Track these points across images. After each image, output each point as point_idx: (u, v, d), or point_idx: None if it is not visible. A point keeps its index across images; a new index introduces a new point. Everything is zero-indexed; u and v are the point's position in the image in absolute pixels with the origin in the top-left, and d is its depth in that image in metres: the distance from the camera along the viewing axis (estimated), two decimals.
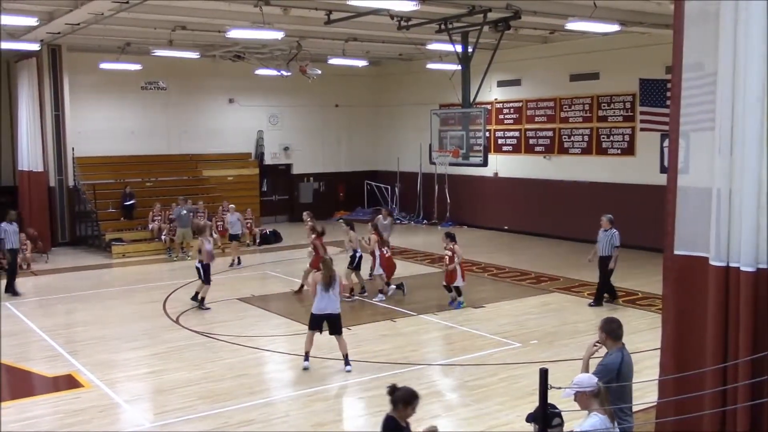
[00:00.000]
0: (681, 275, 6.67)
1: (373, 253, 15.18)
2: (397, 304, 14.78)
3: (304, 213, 18.12)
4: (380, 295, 15.05)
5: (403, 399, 5.89)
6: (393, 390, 5.96)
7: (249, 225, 22.81)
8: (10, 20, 16.00)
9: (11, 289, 15.89)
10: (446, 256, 14.57)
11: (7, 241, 15.87)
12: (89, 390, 10.05)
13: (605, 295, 14.50)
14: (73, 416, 9.08)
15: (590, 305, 14.38)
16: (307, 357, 10.83)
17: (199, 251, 14.51)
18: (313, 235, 15.39)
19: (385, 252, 15.33)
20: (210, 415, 9.06)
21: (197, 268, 14.52)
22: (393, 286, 15.43)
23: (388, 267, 15.46)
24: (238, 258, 19.59)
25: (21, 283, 16.42)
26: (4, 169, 22.55)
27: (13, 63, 22.70)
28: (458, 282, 14.36)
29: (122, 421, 9.12)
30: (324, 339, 12.25)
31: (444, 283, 14.69)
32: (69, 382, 10.40)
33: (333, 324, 10.77)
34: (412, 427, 5.94)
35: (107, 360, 11.44)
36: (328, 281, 10.60)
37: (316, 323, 10.77)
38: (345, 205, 29.35)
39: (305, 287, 14.87)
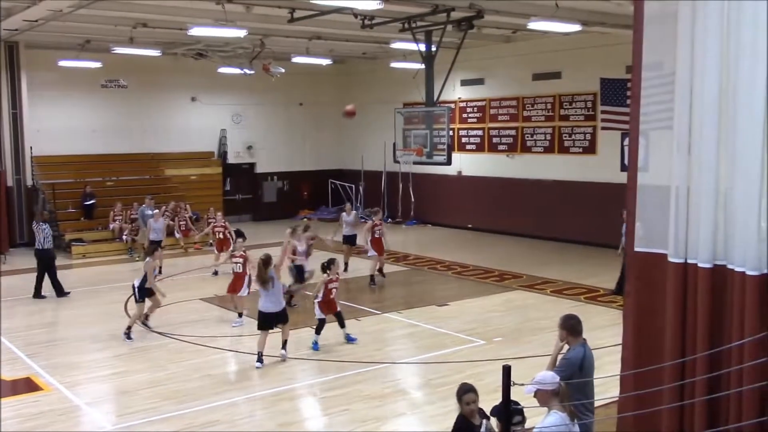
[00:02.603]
0: (641, 272, 6.76)
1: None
2: (362, 302, 14.78)
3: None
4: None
5: (458, 395, 6.04)
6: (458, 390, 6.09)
7: (212, 225, 22.58)
8: None
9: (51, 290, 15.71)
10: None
11: (45, 242, 15.62)
12: (49, 393, 9.89)
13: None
14: (33, 419, 8.93)
15: (613, 293, 14.61)
16: (260, 358, 10.92)
17: (294, 252, 14.26)
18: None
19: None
20: (174, 416, 8.97)
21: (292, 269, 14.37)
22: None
23: None
24: (160, 267, 16.67)
25: None
26: None
27: None
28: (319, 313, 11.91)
29: (84, 424, 8.99)
30: (289, 338, 12.23)
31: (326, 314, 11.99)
32: (28, 386, 10.22)
33: (280, 319, 11.15)
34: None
35: (68, 362, 11.26)
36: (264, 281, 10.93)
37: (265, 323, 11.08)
38: (309, 204, 29.26)
39: None
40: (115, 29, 18.55)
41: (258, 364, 10.83)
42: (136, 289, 12.56)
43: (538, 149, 22.77)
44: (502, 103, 23.78)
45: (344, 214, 17.94)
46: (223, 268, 16.78)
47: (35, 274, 15.77)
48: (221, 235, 17.82)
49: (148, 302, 12.76)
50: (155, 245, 16.28)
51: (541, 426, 5.43)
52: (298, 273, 14.49)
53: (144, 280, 12.50)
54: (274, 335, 12.45)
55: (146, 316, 13.03)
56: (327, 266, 11.94)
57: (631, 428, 6.58)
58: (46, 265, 15.66)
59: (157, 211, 18.94)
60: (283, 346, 11.20)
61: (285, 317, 11.22)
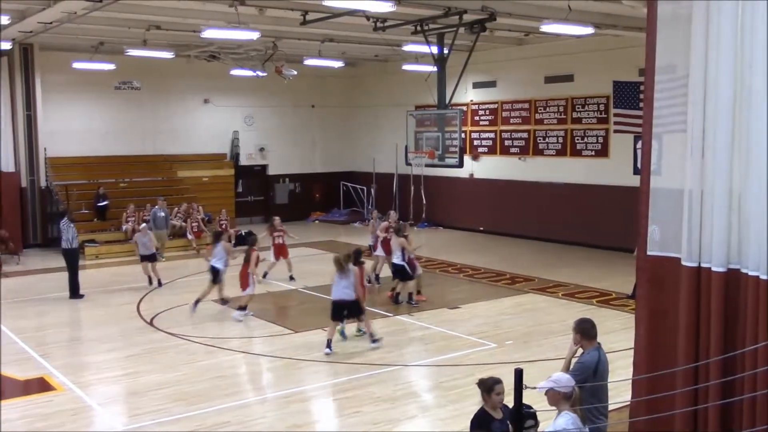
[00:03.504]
0: (654, 276, 6.74)
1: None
2: (373, 304, 14.76)
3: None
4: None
5: (484, 388, 6.06)
6: (478, 383, 6.15)
7: (224, 226, 22.73)
8: None
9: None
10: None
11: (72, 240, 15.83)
12: (61, 393, 9.93)
13: None
14: (45, 419, 8.97)
15: (629, 297, 14.19)
16: (328, 344, 11.44)
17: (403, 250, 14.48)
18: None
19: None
20: (184, 418, 8.99)
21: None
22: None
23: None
24: (158, 280, 16.87)
25: None
26: None
27: None
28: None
29: (95, 425, 9.03)
30: (300, 340, 12.26)
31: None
32: (41, 386, 10.27)
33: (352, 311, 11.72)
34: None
35: (80, 363, 11.32)
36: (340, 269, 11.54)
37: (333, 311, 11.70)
38: (320, 206, 29.29)
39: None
40: (128, 31, 18.65)
41: (327, 350, 11.30)
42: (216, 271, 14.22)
43: (550, 152, 22.70)
44: (514, 105, 23.73)
45: (372, 220, 17.65)
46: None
47: (60, 274, 15.91)
48: (281, 240, 17.16)
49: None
50: (147, 259, 16.68)
51: (552, 428, 5.41)
52: (402, 272, 14.58)
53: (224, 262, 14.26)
54: (289, 337, 12.51)
55: (223, 300, 14.34)
56: (356, 257, 12.38)
57: None
58: (73, 264, 15.80)
59: (144, 225, 18.09)
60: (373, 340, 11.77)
61: (357, 310, 11.69)
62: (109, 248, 21.23)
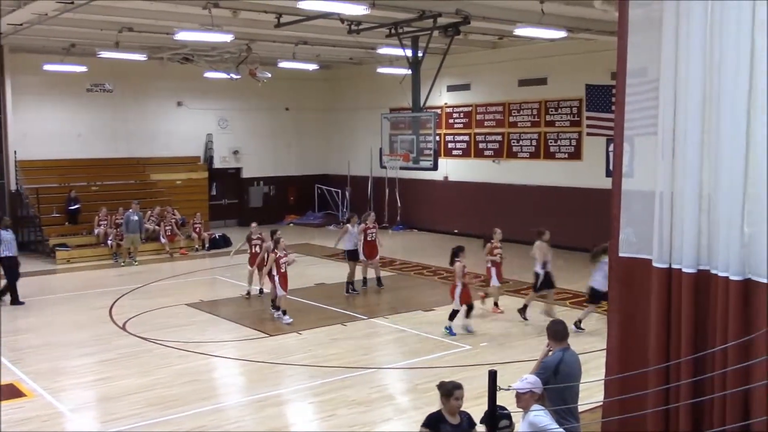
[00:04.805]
0: (626, 277, 6.81)
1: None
2: (349, 307, 14.77)
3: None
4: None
5: (443, 392, 6.03)
6: (438, 386, 6.13)
7: (198, 229, 22.63)
8: None
9: (16, 299, 15.28)
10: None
11: (5, 249, 15.16)
12: (32, 399, 9.80)
13: None
14: (16, 426, 8.83)
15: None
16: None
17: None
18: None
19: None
20: (160, 422, 8.91)
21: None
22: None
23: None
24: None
25: None
26: None
27: None
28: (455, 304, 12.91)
29: (67, 431, 8.92)
30: (275, 343, 12.23)
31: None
32: (11, 392, 10.10)
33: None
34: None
35: (52, 368, 11.16)
36: None
37: None
38: (295, 209, 29.22)
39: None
40: (100, 33, 18.46)
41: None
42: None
43: (524, 155, 22.84)
44: (489, 108, 23.85)
45: (349, 225, 16.60)
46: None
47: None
48: (257, 248, 15.56)
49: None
50: None
51: (527, 423, 5.47)
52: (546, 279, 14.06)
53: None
54: (263, 340, 12.47)
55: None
56: (456, 253, 12.86)
57: None
58: (11, 272, 15.38)
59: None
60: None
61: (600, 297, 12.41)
62: (81, 252, 21.01)
